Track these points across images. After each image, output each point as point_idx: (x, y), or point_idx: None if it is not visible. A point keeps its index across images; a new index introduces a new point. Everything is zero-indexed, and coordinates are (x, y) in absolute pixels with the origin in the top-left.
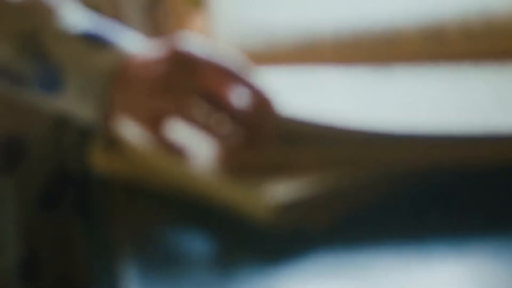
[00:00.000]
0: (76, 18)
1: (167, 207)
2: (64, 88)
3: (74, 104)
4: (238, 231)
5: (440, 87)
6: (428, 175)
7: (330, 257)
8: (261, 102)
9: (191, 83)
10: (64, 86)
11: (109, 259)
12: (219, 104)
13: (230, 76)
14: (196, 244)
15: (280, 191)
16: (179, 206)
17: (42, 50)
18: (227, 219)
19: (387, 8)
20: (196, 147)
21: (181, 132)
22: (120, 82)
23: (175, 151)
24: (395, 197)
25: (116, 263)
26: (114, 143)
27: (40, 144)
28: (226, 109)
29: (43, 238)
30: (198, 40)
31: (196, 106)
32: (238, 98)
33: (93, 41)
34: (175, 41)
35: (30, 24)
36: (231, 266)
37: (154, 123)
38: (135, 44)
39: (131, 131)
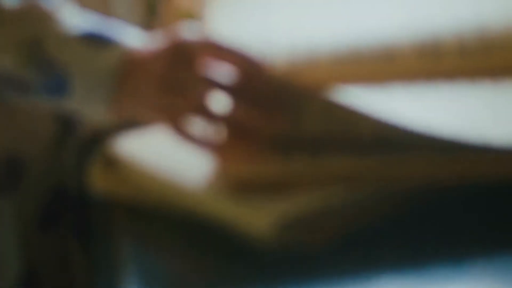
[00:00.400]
0: (74, 19)
1: (168, 226)
2: (71, 92)
3: (82, 105)
4: (238, 250)
5: (435, 104)
6: (428, 192)
7: (331, 275)
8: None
9: (192, 75)
10: (71, 89)
11: (110, 278)
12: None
13: (226, 52)
14: (196, 264)
15: (280, 209)
16: (179, 225)
17: (46, 57)
18: (227, 238)
19: (383, 24)
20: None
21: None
22: (127, 79)
23: (200, 145)
24: (396, 214)
25: (117, 282)
26: (113, 163)
27: (39, 164)
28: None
29: (42, 257)
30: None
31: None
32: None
33: (94, 40)
34: (173, 32)
35: (31, 30)
36: (234, 285)
37: (174, 119)
38: (135, 39)
39: (131, 148)
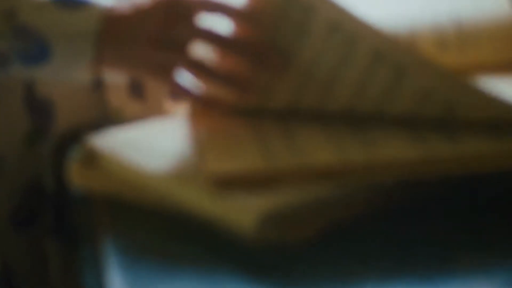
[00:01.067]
0: None
1: (151, 221)
2: (52, 57)
3: (64, 68)
4: (224, 244)
5: None
6: (414, 185)
7: (315, 269)
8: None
9: (189, 27)
10: (52, 55)
11: (95, 274)
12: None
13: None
14: (182, 259)
15: (262, 204)
16: (163, 220)
17: (23, 25)
18: (212, 233)
19: None
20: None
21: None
22: (108, 37)
23: (192, 97)
24: (381, 208)
25: (102, 278)
26: (93, 158)
27: (14, 160)
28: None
29: (18, 254)
30: None
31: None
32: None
33: (69, 4)
34: None
35: (5, 1)
36: (218, 280)
37: (165, 73)
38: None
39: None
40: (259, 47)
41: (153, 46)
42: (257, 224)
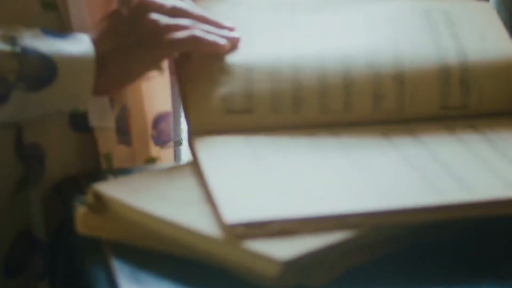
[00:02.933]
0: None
1: (165, 266)
2: (57, 79)
3: (66, 93)
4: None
5: None
6: (427, 232)
7: None
8: None
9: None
10: (57, 77)
11: None
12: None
13: None
14: None
15: (286, 249)
16: (176, 265)
17: (30, 48)
18: (229, 279)
19: None
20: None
21: None
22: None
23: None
24: (395, 253)
25: None
26: (101, 204)
27: (3, 207)
28: None
29: None
30: None
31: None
32: None
33: (59, 34)
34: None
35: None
36: None
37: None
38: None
39: None
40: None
41: (128, 35)
42: (279, 270)
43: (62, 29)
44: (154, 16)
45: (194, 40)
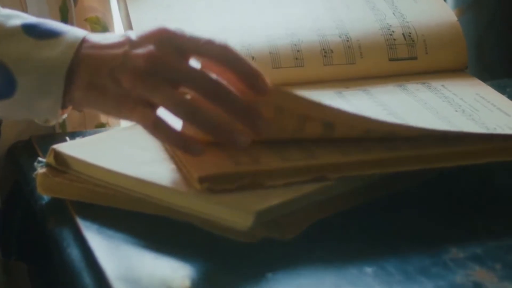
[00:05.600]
0: (6, 13)
1: (132, 223)
2: (16, 91)
3: (27, 105)
4: (215, 244)
5: None
6: (390, 184)
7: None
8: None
9: (176, 67)
10: (16, 88)
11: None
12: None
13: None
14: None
15: (253, 199)
16: (144, 221)
17: None
18: (198, 233)
19: None
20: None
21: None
22: (80, 71)
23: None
24: (362, 206)
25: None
26: (62, 165)
27: None
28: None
29: None
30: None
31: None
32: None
33: (40, 33)
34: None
35: None
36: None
37: (147, 115)
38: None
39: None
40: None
41: (137, 82)
42: (251, 222)
43: None
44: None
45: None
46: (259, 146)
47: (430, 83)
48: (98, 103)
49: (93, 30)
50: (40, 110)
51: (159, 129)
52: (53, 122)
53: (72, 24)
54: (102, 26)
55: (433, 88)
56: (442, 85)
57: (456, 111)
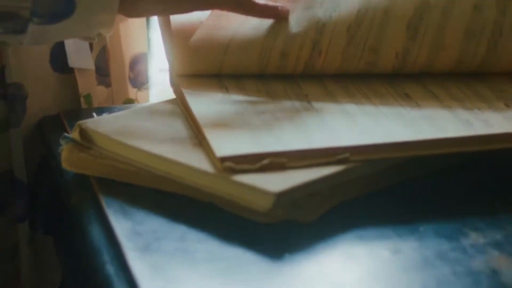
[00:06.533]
0: None
1: (153, 201)
2: (75, 9)
3: (86, 21)
4: (235, 223)
5: None
6: (412, 169)
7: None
8: None
9: None
10: (75, 6)
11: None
12: None
13: None
14: (193, 237)
15: (274, 180)
16: (165, 200)
17: None
18: (219, 214)
19: None
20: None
21: None
22: None
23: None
24: (385, 189)
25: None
26: (87, 141)
27: None
28: None
29: None
30: None
31: None
32: None
33: None
34: None
35: None
36: (232, 259)
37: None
38: None
39: None
40: None
41: None
42: (272, 202)
43: None
44: None
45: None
46: (282, 126)
47: None
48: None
49: None
50: (97, 24)
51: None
52: (109, 33)
53: None
54: None
55: None
56: None
57: None
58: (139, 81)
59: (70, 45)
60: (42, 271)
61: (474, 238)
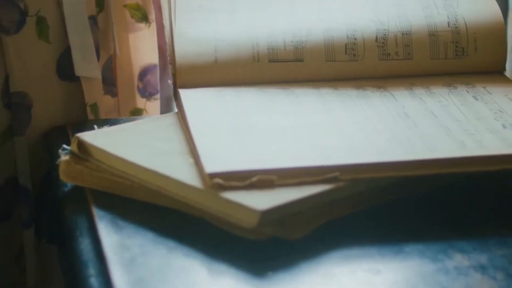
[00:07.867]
0: None
1: (145, 215)
2: None
3: None
4: (222, 239)
5: None
6: (401, 188)
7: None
8: None
9: None
10: None
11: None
12: None
13: None
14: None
15: (261, 198)
16: (156, 214)
17: None
18: (207, 229)
19: None
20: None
21: None
22: None
23: None
24: (372, 208)
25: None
26: (84, 153)
27: None
28: None
29: None
30: None
31: None
32: None
33: None
34: None
35: None
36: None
37: None
38: None
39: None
40: None
41: None
42: (258, 220)
43: None
44: None
45: None
46: (274, 142)
47: (474, 85)
48: None
49: (133, 16)
50: None
51: None
52: None
53: (108, 10)
54: (142, 13)
55: (477, 91)
56: (484, 87)
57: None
58: (148, 92)
59: (77, 53)
60: (48, 278)
61: (458, 260)
